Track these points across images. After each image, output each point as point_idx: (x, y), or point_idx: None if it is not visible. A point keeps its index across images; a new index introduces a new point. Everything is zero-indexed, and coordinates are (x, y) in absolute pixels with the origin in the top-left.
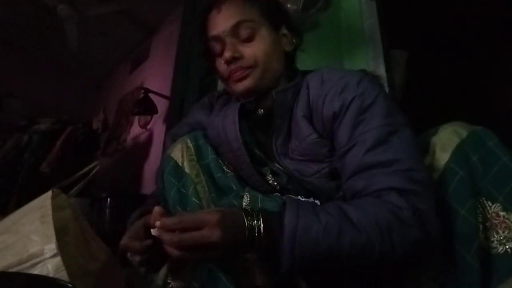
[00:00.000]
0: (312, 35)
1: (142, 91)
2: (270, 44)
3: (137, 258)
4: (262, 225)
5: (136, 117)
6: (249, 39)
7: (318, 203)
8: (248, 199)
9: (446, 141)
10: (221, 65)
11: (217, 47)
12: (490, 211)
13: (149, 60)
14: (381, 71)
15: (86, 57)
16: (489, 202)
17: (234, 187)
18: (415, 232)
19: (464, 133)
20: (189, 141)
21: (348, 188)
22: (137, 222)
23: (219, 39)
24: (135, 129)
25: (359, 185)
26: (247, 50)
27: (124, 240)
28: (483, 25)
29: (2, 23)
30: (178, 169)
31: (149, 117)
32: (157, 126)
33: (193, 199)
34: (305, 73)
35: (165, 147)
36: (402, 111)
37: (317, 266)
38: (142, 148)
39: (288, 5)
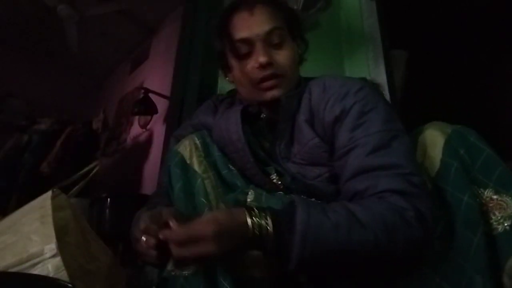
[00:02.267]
0: (312, 35)
1: (142, 91)
2: (294, 54)
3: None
4: (270, 223)
5: (136, 117)
6: (279, 46)
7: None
8: (253, 195)
9: (435, 138)
10: (248, 68)
11: (243, 49)
12: (484, 197)
13: (149, 60)
14: (381, 71)
15: (86, 57)
16: (481, 189)
17: (239, 184)
18: (418, 232)
19: (448, 130)
20: (196, 139)
21: (348, 189)
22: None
23: (249, 41)
24: (135, 129)
25: (360, 186)
26: (278, 57)
27: (139, 233)
28: (483, 25)
29: (2, 23)
30: (185, 164)
31: (149, 117)
32: (157, 126)
33: (201, 198)
34: (307, 79)
35: (167, 148)
36: (399, 118)
37: (324, 263)
38: (142, 148)
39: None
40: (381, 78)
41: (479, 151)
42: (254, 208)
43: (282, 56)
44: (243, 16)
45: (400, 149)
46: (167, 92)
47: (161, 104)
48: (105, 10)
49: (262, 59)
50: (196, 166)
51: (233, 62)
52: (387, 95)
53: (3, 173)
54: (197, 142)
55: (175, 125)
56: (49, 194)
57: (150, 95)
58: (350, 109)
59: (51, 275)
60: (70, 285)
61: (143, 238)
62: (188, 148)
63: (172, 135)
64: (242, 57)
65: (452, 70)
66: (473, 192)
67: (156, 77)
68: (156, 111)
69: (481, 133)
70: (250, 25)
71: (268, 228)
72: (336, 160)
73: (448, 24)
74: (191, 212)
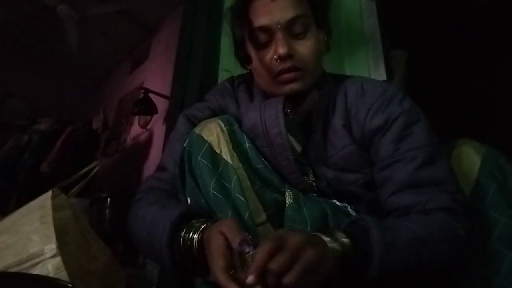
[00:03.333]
0: None
1: (142, 91)
2: (317, 44)
3: None
4: (348, 241)
5: (136, 117)
6: (301, 36)
7: (351, 209)
8: (291, 197)
9: (471, 157)
10: (267, 59)
11: (262, 37)
12: None
13: (149, 60)
14: (381, 71)
15: (86, 57)
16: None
17: (276, 181)
18: (462, 247)
19: (482, 150)
20: (222, 124)
21: (393, 201)
22: (216, 244)
23: (269, 30)
24: (135, 129)
25: (407, 201)
26: (299, 48)
27: (222, 277)
28: (483, 25)
29: (2, 23)
30: (214, 155)
31: (149, 117)
32: (157, 126)
33: (238, 195)
34: (333, 76)
35: (177, 127)
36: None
37: (394, 279)
38: (142, 148)
39: None
40: (381, 78)
41: (510, 173)
42: (326, 231)
43: (305, 48)
44: (264, 1)
45: (445, 165)
46: (167, 92)
47: (161, 104)
48: (105, 10)
49: (282, 50)
50: (227, 157)
51: (252, 51)
52: None
53: (3, 173)
54: (224, 128)
55: (175, 125)
56: (49, 194)
57: (150, 95)
58: (395, 119)
59: (51, 275)
60: (70, 285)
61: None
62: (215, 134)
63: (183, 113)
64: (261, 46)
65: (452, 70)
66: (509, 213)
67: (156, 77)
68: (156, 111)
69: (481, 133)
70: (271, 12)
71: (349, 246)
72: (379, 171)
73: (448, 24)
74: (230, 212)
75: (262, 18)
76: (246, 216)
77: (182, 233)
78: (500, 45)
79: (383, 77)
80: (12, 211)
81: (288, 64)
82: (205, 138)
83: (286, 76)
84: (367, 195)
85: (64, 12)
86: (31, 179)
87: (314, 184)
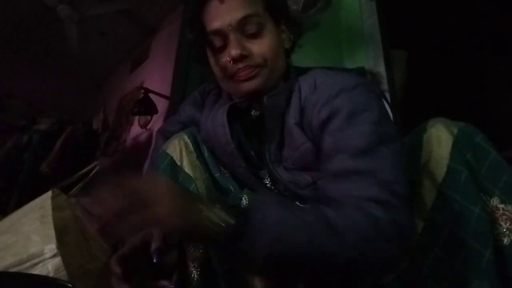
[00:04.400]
0: (312, 35)
1: (142, 91)
2: (276, 41)
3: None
4: (223, 214)
5: (136, 117)
6: (256, 35)
7: None
8: (247, 202)
9: (441, 139)
10: (222, 62)
11: (217, 41)
12: (489, 205)
13: (149, 60)
14: (381, 71)
15: (86, 57)
16: (487, 197)
17: (232, 189)
18: (392, 246)
19: (454, 130)
20: (186, 137)
21: (327, 192)
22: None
23: (221, 33)
24: (135, 129)
25: (338, 191)
26: (255, 47)
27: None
28: (483, 25)
29: (2, 23)
30: (175, 168)
31: (149, 117)
32: (157, 126)
33: None
34: (299, 70)
35: (155, 146)
36: (392, 123)
37: (279, 263)
38: (142, 148)
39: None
40: (381, 78)
41: (486, 154)
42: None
43: (260, 46)
44: (213, 4)
45: (387, 155)
46: (167, 92)
47: (161, 104)
48: (105, 10)
49: (234, 52)
50: (188, 169)
51: (209, 54)
52: (387, 95)
53: (3, 173)
54: (188, 141)
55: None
56: (49, 194)
57: (150, 95)
58: (339, 109)
59: (51, 275)
60: (70, 285)
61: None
62: (177, 148)
63: (158, 130)
64: (218, 50)
65: (452, 70)
66: (484, 204)
67: (156, 77)
68: (156, 111)
69: (481, 133)
70: (221, 14)
71: (224, 217)
72: (321, 164)
73: (448, 24)
74: None
75: (214, 22)
76: None
77: None
78: (500, 45)
79: (382, 74)
80: (12, 211)
81: (242, 65)
82: (169, 153)
83: (242, 74)
84: None
85: (64, 12)
86: (31, 179)
87: (273, 187)
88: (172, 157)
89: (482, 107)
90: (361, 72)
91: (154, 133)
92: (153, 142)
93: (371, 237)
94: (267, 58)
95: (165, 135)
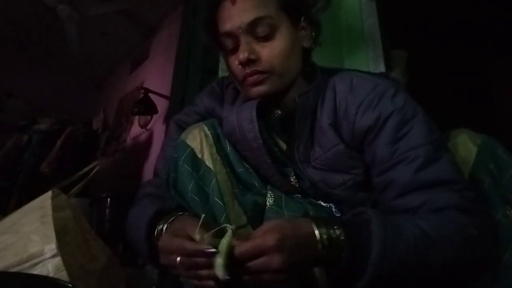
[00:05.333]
0: None
1: (142, 91)
2: (289, 44)
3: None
4: (342, 233)
5: (136, 117)
6: (267, 38)
7: (336, 209)
8: (272, 198)
9: (466, 150)
10: (234, 64)
11: (229, 43)
12: (510, 215)
13: (149, 60)
14: (381, 71)
15: (86, 57)
16: (507, 207)
17: (256, 184)
18: (481, 249)
19: (478, 140)
20: (206, 128)
21: (398, 204)
22: (175, 236)
23: (232, 35)
24: (135, 129)
25: (415, 203)
26: (264, 51)
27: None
28: (483, 25)
29: (2, 22)
30: (196, 160)
31: (149, 117)
32: (157, 126)
33: (216, 199)
34: (324, 70)
35: (168, 134)
36: (435, 125)
37: (396, 279)
38: (142, 148)
39: None
40: None
41: (507, 166)
42: (320, 219)
43: (270, 50)
44: (226, 6)
45: (449, 162)
46: (167, 92)
47: (161, 104)
48: (105, 10)
49: (242, 56)
50: (208, 162)
51: (224, 56)
52: None
53: (3, 173)
54: (208, 133)
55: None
56: (49, 194)
57: (150, 95)
58: (388, 118)
59: (51, 275)
60: (70, 285)
61: (179, 260)
62: (198, 139)
63: (173, 119)
64: (230, 52)
65: (452, 70)
66: (505, 211)
67: (156, 77)
68: (156, 111)
69: (481, 133)
70: (232, 16)
71: (341, 237)
72: (378, 175)
73: (448, 24)
74: (208, 214)
75: (225, 24)
76: (222, 219)
77: (158, 227)
78: (500, 45)
79: (401, 82)
80: (12, 211)
81: (251, 69)
82: (189, 143)
83: (250, 79)
84: (355, 196)
85: (64, 12)
86: (31, 179)
87: (297, 185)
88: (192, 148)
89: (482, 107)
90: (386, 77)
91: (154, 133)
92: (168, 130)
93: (461, 241)
94: (275, 65)
95: (180, 124)
